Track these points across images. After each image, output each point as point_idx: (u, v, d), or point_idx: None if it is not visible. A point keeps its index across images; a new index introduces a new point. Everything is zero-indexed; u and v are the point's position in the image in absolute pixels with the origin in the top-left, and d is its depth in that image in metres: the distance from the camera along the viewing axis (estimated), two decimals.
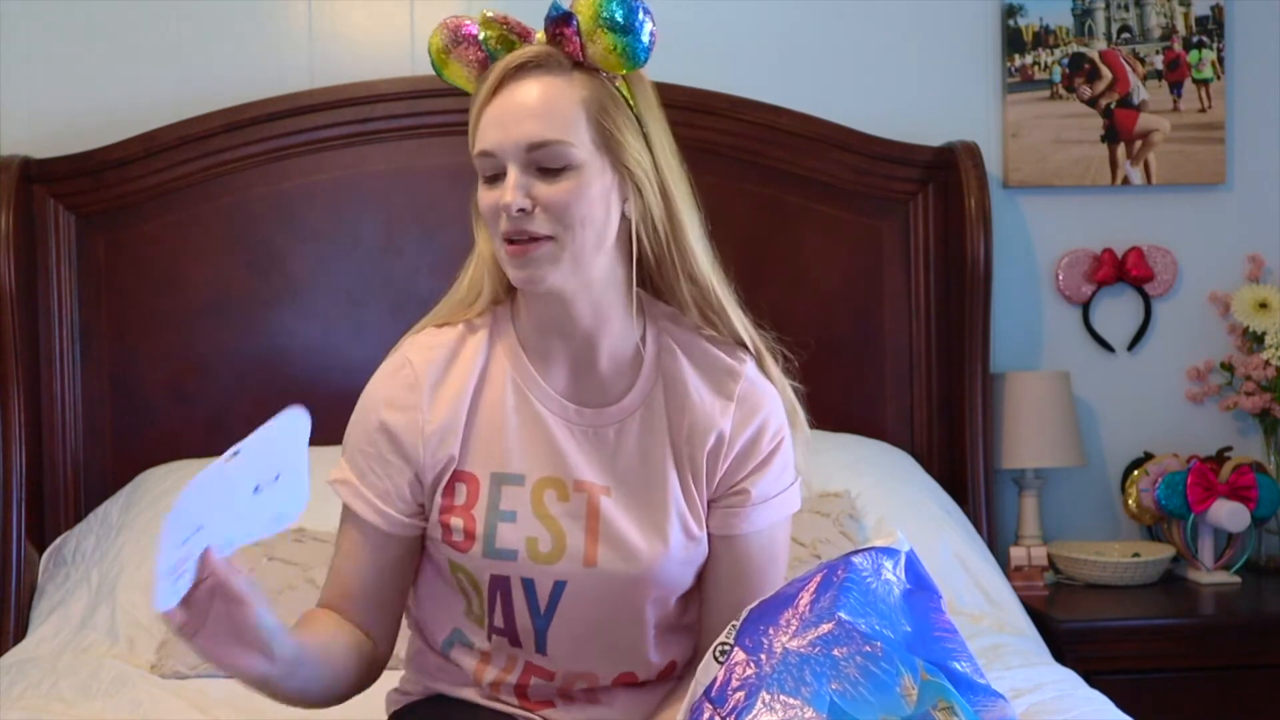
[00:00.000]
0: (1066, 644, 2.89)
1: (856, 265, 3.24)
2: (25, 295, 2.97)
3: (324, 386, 3.10)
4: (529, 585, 1.63)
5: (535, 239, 1.56)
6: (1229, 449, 3.37)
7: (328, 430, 3.18)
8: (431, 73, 3.29)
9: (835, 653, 1.41)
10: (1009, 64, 3.34)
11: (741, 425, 1.66)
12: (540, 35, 1.61)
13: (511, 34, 1.61)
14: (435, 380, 1.66)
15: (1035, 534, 3.25)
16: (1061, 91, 3.36)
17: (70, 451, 3.04)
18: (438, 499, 1.65)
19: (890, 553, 1.52)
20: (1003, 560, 3.14)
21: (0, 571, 2.92)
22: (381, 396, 1.68)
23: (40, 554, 2.97)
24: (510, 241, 1.57)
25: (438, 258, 3.12)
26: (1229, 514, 3.14)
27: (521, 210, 1.55)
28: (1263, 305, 3.32)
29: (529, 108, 1.56)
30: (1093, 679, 2.60)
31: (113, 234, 3.07)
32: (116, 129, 3.09)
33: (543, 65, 1.58)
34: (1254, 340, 3.34)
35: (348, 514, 1.69)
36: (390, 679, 1.89)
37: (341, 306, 3.11)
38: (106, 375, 3.07)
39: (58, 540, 2.96)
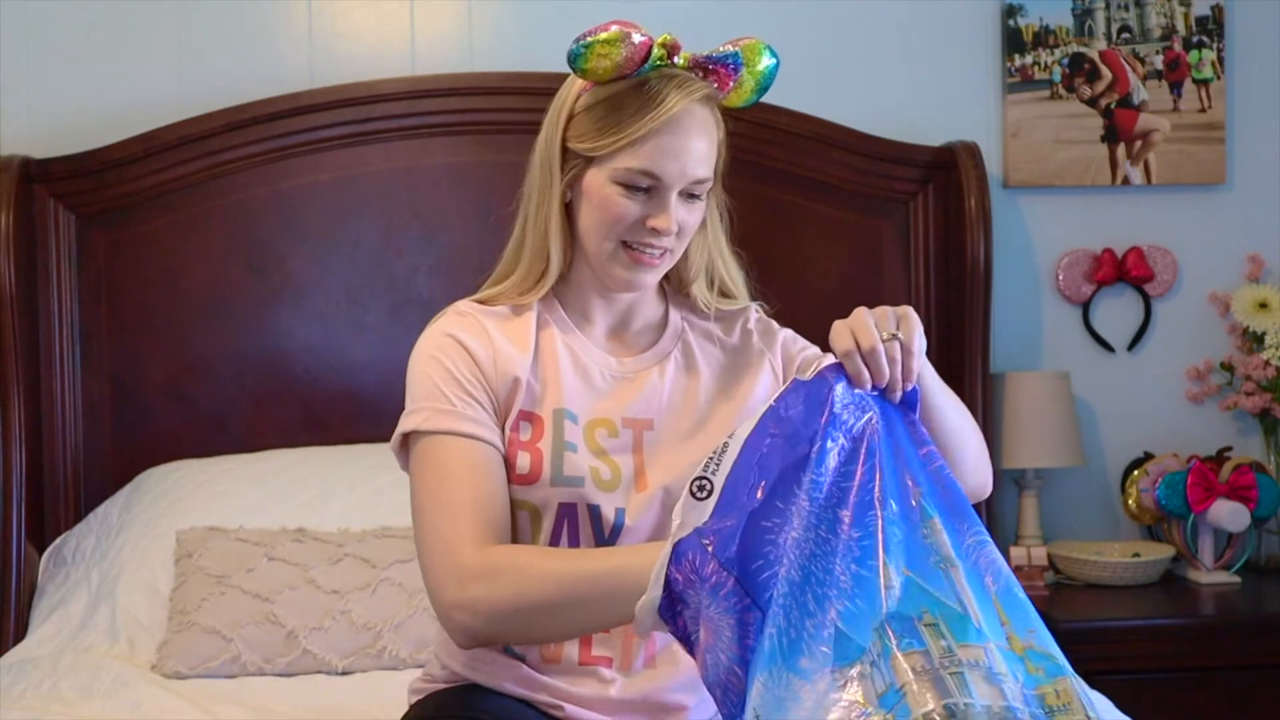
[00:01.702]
0: (1066, 644, 2.85)
1: (856, 265, 3.24)
2: (25, 295, 2.97)
3: (324, 386, 3.10)
4: (595, 511, 1.72)
5: (662, 253, 1.74)
6: (1229, 449, 3.37)
7: (328, 430, 3.21)
8: (431, 72, 3.31)
9: (836, 567, 1.39)
10: (1009, 64, 3.34)
11: (772, 345, 1.85)
12: (684, 57, 1.72)
13: (670, 58, 1.72)
14: (496, 328, 1.77)
15: (1035, 534, 3.25)
16: (1061, 91, 3.36)
17: (70, 451, 3.04)
18: (506, 433, 1.74)
19: (831, 381, 1.51)
20: None
21: (0, 571, 2.92)
22: (446, 330, 1.77)
23: (40, 554, 2.97)
24: (641, 253, 1.73)
25: (438, 258, 3.12)
26: (1229, 514, 3.14)
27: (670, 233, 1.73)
28: (1263, 305, 3.32)
29: (700, 149, 1.71)
30: (1093, 679, 2.60)
31: (113, 234, 3.07)
32: (116, 129, 3.09)
33: (705, 99, 1.72)
34: (1254, 340, 3.34)
35: (456, 446, 1.70)
36: (409, 674, 1.89)
37: (341, 306, 3.11)
38: (106, 375, 3.07)
39: (58, 540, 2.96)
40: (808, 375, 1.54)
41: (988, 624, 1.39)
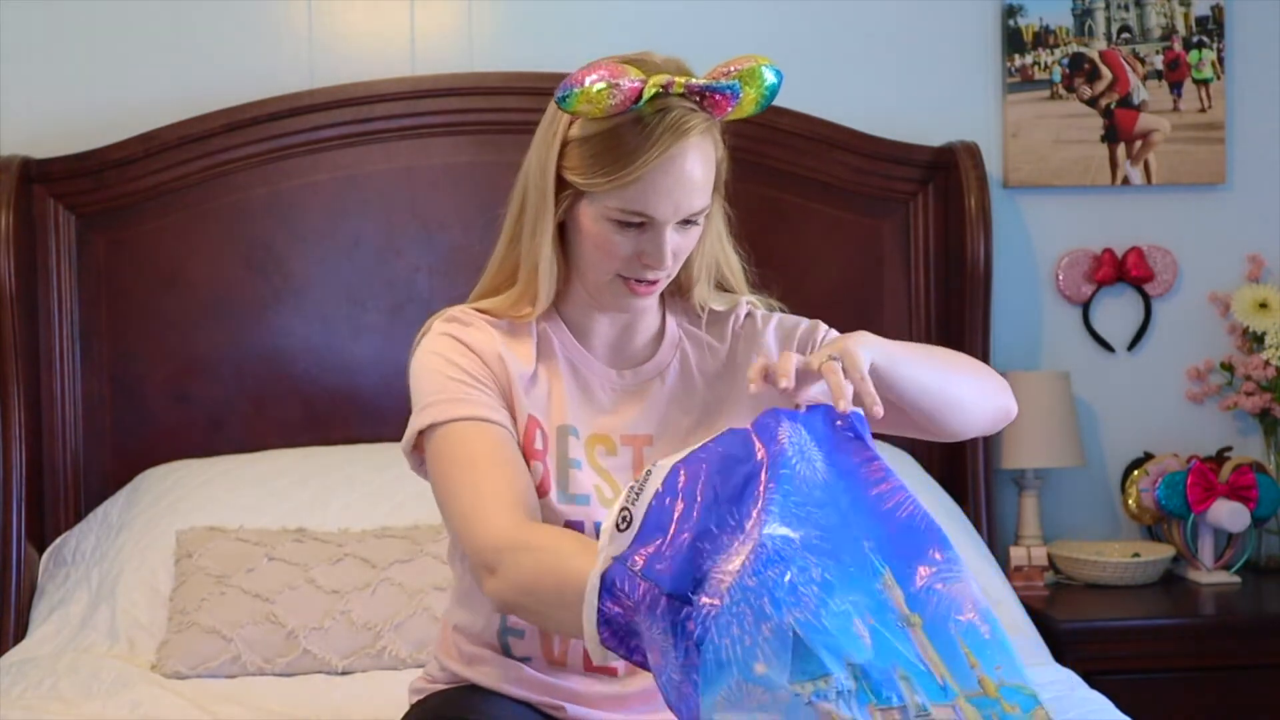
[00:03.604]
0: (1066, 644, 2.89)
1: (856, 265, 3.24)
2: (25, 295, 2.97)
3: (324, 386, 3.10)
4: (600, 530, 1.67)
5: (658, 279, 1.71)
6: (1229, 449, 3.37)
7: (328, 430, 3.21)
8: (431, 72, 3.31)
9: (787, 579, 1.36)
10: (1009, 64, 3.34)
11: (757, 344, 1.80)
12: (678, 85, 1.63)
13: (670, 94, 1.63)
14: (500, 338, 1.74)
15: (1035, 534, 3.25)
16: (1061, 91, 3.36)
17: (70, 451, 3.04)
18: (519, 438, 1.71)
19: (785, 417, 1.48)
20: (1003, 560, 3.14)
21: (0, 571, 2.92)
22: (447, 330, 1.74)
23: (40, 554, 2.97)
24: (637, 283, 1.70)
25: (438, 258, 3.12)
26: (1229, 514, 3.14)
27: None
28: (1263, 305, 3.32)
29: (695, 182, 1.65)
30: (1093, 679, 2.60)
31: (113, 234, 3.07)
32: (116, 129, 3.09)
33: (703, 131, 1.66)
34: (1254, 340, 3.34)
35: (474, 429, 1.67)
36: (409, 674, 1.89)
37: (341, 306, 3.11)
38: (106, 375, 3.07)
39: (58, 540, 2.96)
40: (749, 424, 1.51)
41: (956, 675, 1.37)
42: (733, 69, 1.65)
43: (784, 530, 1.39)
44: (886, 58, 3.33)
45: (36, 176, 3.02)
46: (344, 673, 2.52)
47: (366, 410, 3.08)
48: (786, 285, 3.26)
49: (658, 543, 1.41)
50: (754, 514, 1.41)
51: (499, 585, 1.58)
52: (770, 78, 1.66)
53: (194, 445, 3.05)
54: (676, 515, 1.42)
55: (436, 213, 3.12)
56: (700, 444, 1.48)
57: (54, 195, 3.04)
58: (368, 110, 3.10)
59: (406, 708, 1.81)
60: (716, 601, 1.36)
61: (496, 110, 3.11)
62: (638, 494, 1.45)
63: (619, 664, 1.74)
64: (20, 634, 2.83)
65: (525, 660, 1.75)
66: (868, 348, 1.58)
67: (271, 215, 3.10)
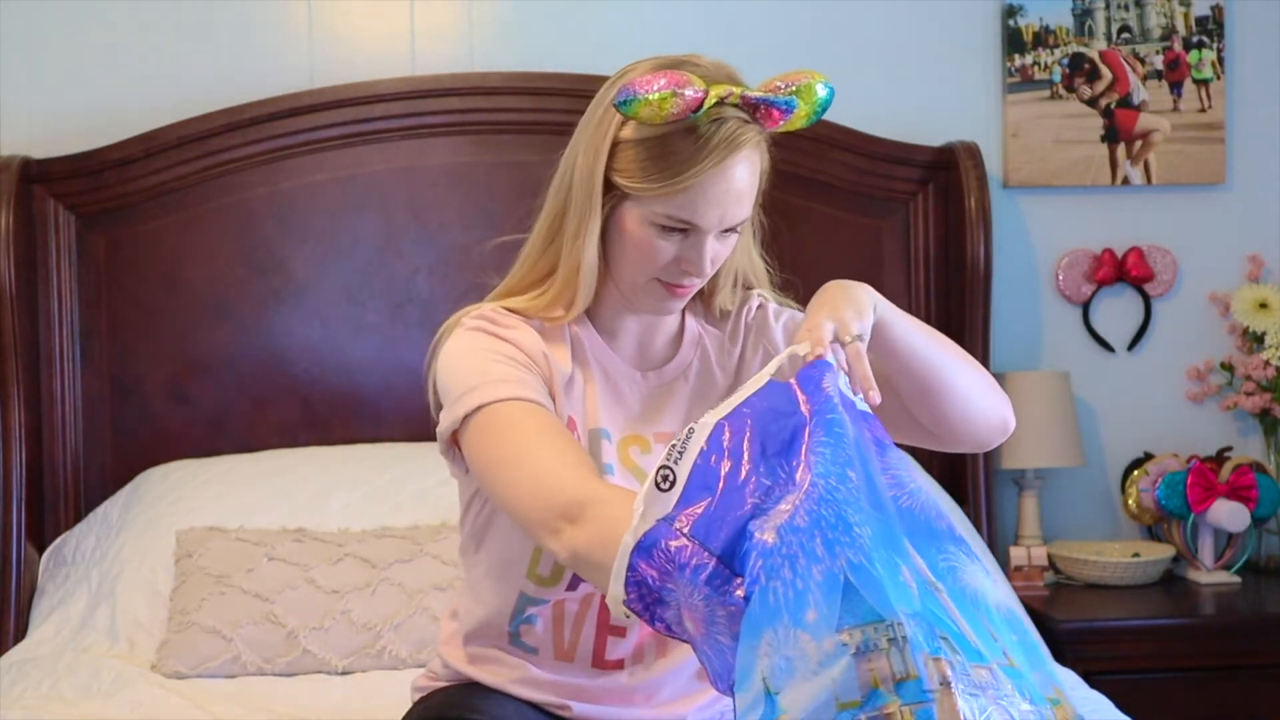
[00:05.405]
0: (1066, 644, 2.89)
1: (856, 265, 3.24)
2: (25, 295, 2.97)
3: (324, 386, 3.10)
4: None
5: (694, 285, 1.72)
6: (1229, 449, 3.37)
7: (328, 430, 3.21)
8: (431, 72, 3.30)
9: (854, 524, 1.32)
10: (1009, 64, 3.34)
11: (766, 333, 1.84)
12: (734, 94, 1.61)
13: (724, 104, 1.62)
14: (537, 333, 1.72)
15: (1035, 534, 3.25)
16: (1061, 91, 3.36)
17: (70, 451, 3.04)
18: None
19: (826, 368, 1.46)
20: (1003, 560, 3.14)
21: (0, 571, 2.92)
22: (481, 327, 1.71)
23: (40, 554, 2.97)
24: (674, 286, 1.70)
25: (437, 258, 3.12)
26: (1229, 514, 3.14)
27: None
28: (1263, 305, 3.32)
29: (741, 194, 1.66)
30: (1093, 679, 2.60)
31: (113, 234, 3.07)
32: (116, 129, 3.09)
33: (755, 145, 1.66)
34: (1254, 340, 3.34)
35: (524, 407, 1.63)
36: (409, 674, 1.89)
37: (341, 306, 3.11)
38: (106, 375, 3.07)
39: (58, 540, 2.96)
40: (790, 378, 1.49)
41: (984, 643, 1.34)
42: (789, 84, 1.64)
43: (836, 470, 1.37)
44: (886, 58, 3.33)
45: (36, 176, 3.02)
46: (344, 673, 2.52)
47: (366, 410, 3.08)
48: (786, 285, 3.27)
49: (705, 503, 1.38)
50: (802, 458, 1.39)
51: (576, 535, 1.50)
52: (822, 93, 1.65)
53: (194, 445, 3.05)
54: (724, 474, 1.40)
55: (436, 213, 3.12)
56: (743, 398, 1.45)
57: (54, 195, 3.04)
58: (368, 110, 3.10)
59: (408, 707, 1.81)
60: (771, 538, 1.33)
61: (496, 110, 3.11)
62: (680, 452, 1.42)
63: (625, 656, 1.75)
64: (20, 634, 2.83)
65: (533, 651, 1.75)
66: (865, 317, 1.58)
67: (271, 215, 3.10)
